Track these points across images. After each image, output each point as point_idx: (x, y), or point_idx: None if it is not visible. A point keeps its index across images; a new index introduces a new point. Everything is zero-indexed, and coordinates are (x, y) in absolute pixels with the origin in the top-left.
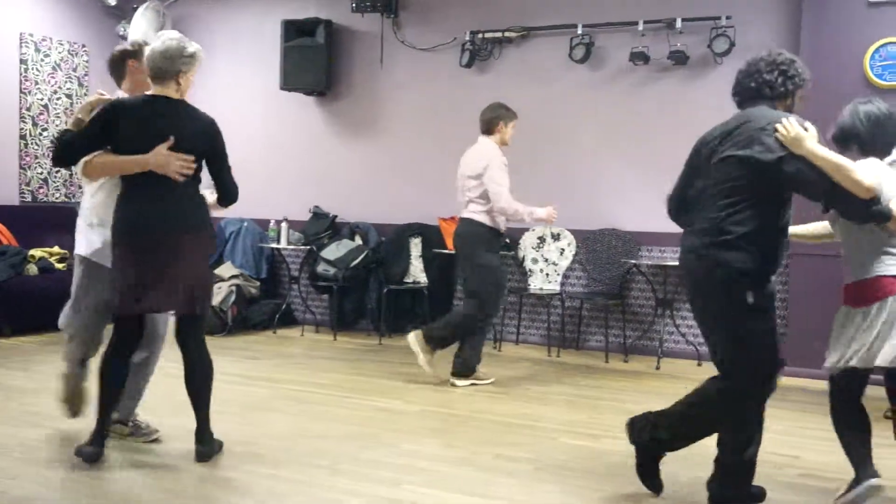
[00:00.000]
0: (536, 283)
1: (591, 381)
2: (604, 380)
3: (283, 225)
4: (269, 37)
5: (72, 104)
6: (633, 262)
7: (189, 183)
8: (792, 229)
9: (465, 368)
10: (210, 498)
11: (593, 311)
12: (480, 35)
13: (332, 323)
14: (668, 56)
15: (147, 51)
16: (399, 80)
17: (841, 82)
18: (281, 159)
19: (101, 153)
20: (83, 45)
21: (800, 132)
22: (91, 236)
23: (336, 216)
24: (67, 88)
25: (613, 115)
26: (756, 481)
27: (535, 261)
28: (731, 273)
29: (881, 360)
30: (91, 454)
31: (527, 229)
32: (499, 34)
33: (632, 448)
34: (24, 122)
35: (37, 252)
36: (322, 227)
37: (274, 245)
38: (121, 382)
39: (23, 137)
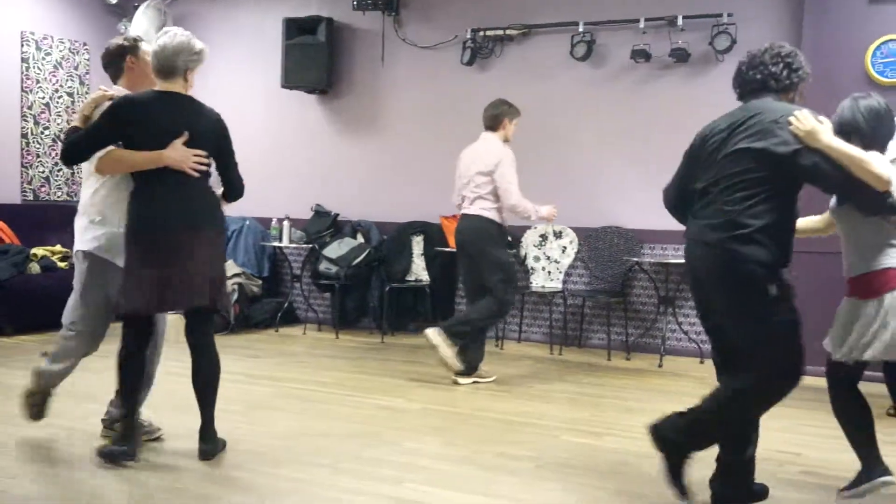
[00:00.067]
0: (538, 281)
1: (594, 378)
2: (606, 378)
3: (285, 223)
4: (270, 35)
5: (73, 102)
6: (635, 259)
7: (201, 178)
8: None
9: (467, 367)
10: (212, 496)
11: (595, 308)
12: (482, 33)
13: (334, 321)
14: (670, 54)
15: (155, 46)
16: (400, 77)
17: (842, 79)
18: (282, 158)
19: (114, 149)
20: (84, 44)
21: (815, 125)
22: (94, 232)
23: (338, 214)
24: (69, 87)
25: (615, 112)
26: (758, 479)
27: (537, 259)
28: (753, 267)
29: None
30: (124, 453)
31: (528, 227)
32: (500, 32)
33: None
34: (25, 120)
35: (39, 251)
36: (324, 225)
37: (276, 243)
38: (141, 376)
39: (24, 136)
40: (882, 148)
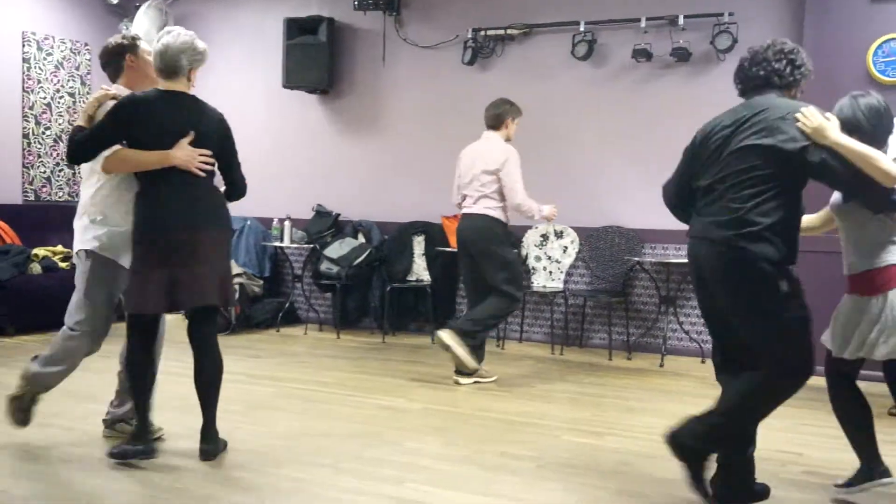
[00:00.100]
0: (539, 281)
1: (595, 378)
2: (607, 377)
3: (286, 223)
4: (271, 35)
5: (74, 103)
6: (636, 259)
7: (206, 178)
8: None
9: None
10: (213, 496)
11: (596, 308)
12: (483, 32)
13: (336, 321)
14: (671, 53)
15: (158, 46)
16: (401, 77)
17: (843, 79)
18: (283, 158)
19: (120, 148)
20: (85, 44)
21: (823, 122)
22: (95, 231)
23: (339, 214)
24: (70, 87)
25: (616, 112)
26: (760, 478)
27: (538, 258)
28: (763, 265)
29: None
30: (141, 451)
31: (530, 227)
32: (501, 31)
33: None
34: (26, 120)
35: (40, 251)
36: (325, 225)
37: (277, 244)
38: (150, 373)
39: (26, 136)
40: (882, 145)
